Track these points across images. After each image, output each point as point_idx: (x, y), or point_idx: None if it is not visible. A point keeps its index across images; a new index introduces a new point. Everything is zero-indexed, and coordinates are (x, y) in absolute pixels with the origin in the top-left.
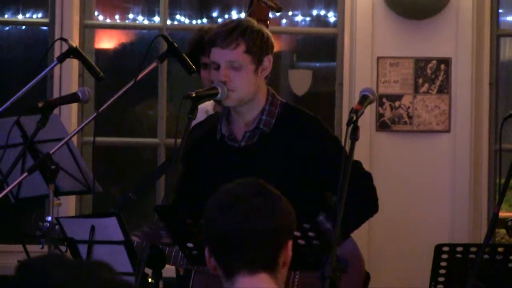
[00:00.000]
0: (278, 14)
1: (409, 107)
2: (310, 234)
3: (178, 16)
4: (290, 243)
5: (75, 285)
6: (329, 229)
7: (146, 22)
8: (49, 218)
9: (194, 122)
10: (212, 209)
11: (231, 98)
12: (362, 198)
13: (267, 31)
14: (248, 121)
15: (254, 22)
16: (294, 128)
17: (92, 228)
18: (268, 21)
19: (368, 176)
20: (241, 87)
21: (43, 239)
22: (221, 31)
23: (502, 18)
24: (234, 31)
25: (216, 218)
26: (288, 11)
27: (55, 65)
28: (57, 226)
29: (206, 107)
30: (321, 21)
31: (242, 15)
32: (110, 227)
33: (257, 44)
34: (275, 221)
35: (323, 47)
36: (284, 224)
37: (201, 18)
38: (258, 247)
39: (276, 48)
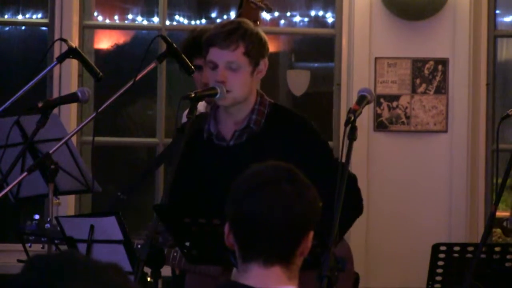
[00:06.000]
0: (268, 13)
1: (406, 107)
2: None
3: (177, 17)
4: (311, 234)
5: (84, 286)
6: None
7: (145, 22)
8: (49, 219)
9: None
10: (239, 188)
11: (227, 98)
12: (350, 200)
13: (263, 34)
14: (238, 121)
15: (252, 25)
16: (282, 127)
17: (92, 228)
18: (258, 22)
19: (354, 178)
20: (237, 88)
21: (44, 237)
22: (221, 32)
23: (499, 19)
24: (235, 32)
25: (243, 199)
26: (287, 12)
27: (55, 65)
28: (49, 225)
29: (199, 108)
30: (319, 21)
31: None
32: (109, 226)
33: (255, 47)
34: (301, 209)
35: (321, 47)
36: (309, 213)
37: (200, 19)
38: (279, 234)
39: (274, 49)
